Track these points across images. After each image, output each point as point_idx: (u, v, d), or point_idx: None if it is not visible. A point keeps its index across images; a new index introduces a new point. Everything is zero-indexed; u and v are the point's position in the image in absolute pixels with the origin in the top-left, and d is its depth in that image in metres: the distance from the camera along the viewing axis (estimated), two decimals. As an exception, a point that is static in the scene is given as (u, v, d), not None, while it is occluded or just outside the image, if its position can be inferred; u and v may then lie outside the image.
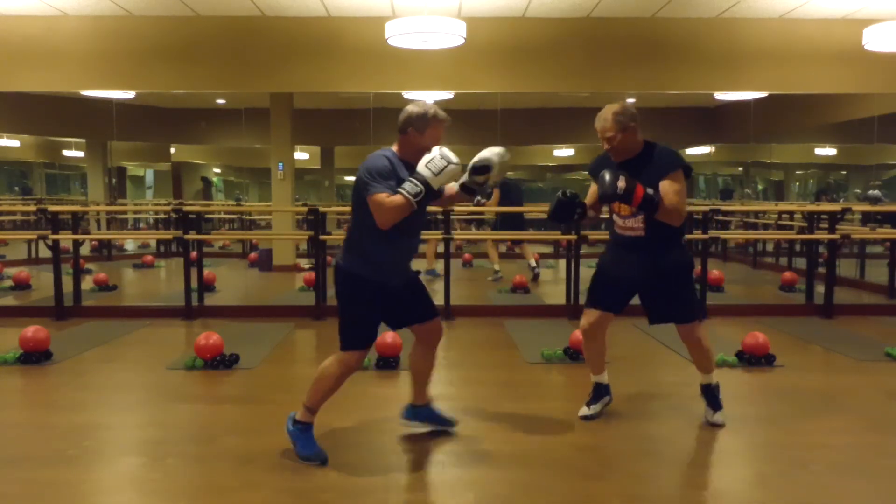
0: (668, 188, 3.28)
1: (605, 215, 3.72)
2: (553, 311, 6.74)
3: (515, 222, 8.64)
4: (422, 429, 3.46)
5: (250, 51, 6.91)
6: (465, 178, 3.15)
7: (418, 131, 3.02)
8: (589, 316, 3.61)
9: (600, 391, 3.73)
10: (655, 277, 3.45)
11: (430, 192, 2.93)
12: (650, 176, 3.29)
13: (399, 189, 2.91)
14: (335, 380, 3.10)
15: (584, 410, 3.69)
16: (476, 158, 3.11)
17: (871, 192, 9.56)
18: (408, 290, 3.24)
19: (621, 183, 3.17)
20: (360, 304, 3.07)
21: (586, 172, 3.67)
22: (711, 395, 3.61)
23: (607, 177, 3.21)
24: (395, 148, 3.09)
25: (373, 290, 3.06)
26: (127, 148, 11.69)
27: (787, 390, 4.30)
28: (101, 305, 7.08)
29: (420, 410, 3.47)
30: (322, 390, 3.11)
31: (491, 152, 3.11)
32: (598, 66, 7.01)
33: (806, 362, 5.02)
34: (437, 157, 2.92)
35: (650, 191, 3.22)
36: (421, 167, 2.92)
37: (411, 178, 2.92)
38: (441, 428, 3.47)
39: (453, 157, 2.93)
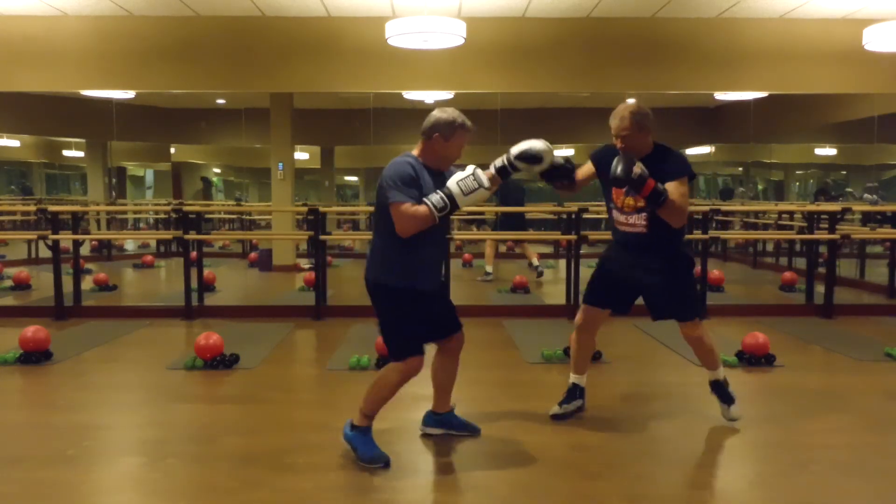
0: (673, 189, 3.28)
1: (604, 214, 3.70)
2: (553, 311, 6.74)
3: (517, 222, 8.63)
4: (436, 431, 3.43)
5: (250, 51, 6.91)
6: (504, 161, 3.10)
7: (444, 138, 3.00)
8: (582, 312, 3.65)
9: (575, 393, 3.70)
10: (656, 274, 3.45)
11: (454, 209, 2.92)
12: (658, 177, 3.28)
13: (425, 200, 2.90)
14: (394, 387, 3.08)
15: (556, 409, 3.68)
16: (528, 148, 3.07)
17: (866, 195, 9.60)
18: (438, 303, 3.24)
19: (637, 169, 3.17)
20: (408, 315, 3.05)
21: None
22: (721, 390, 3.61)
23: (624, 161, 3.20)
24: (416, 152, 3.05)
25: (415, 297, 3.03)
26: (127, 148, 11.70)
27: (787, 390, 4.30)
28: (101, 305, 7.08)
29: (442, 417, 3.44)
30: (379, 398, 3.09)
31: (544, 148, 3.08)
32: (598, 66, 7.01)
33: (806, 362, 5.02)
34: (469, 178, 2.91)
35: (661, 185, 3.22)
36: (452, 184, 2.90)
37: (439, 191, 2.90)
38: (464, 434, 3.42)
39: (485, 181, 2.92)
